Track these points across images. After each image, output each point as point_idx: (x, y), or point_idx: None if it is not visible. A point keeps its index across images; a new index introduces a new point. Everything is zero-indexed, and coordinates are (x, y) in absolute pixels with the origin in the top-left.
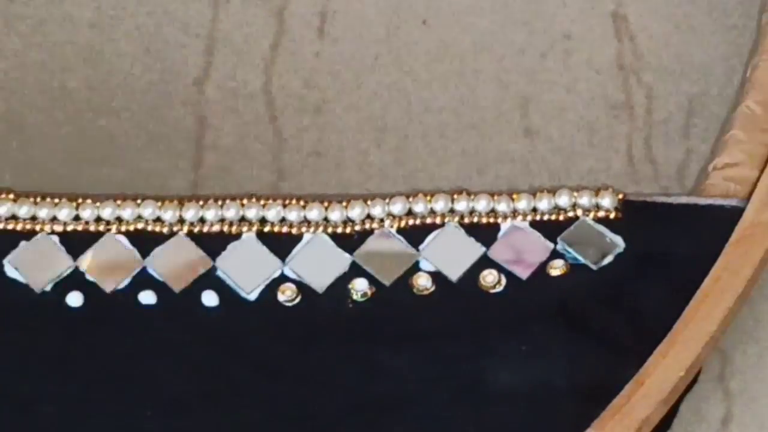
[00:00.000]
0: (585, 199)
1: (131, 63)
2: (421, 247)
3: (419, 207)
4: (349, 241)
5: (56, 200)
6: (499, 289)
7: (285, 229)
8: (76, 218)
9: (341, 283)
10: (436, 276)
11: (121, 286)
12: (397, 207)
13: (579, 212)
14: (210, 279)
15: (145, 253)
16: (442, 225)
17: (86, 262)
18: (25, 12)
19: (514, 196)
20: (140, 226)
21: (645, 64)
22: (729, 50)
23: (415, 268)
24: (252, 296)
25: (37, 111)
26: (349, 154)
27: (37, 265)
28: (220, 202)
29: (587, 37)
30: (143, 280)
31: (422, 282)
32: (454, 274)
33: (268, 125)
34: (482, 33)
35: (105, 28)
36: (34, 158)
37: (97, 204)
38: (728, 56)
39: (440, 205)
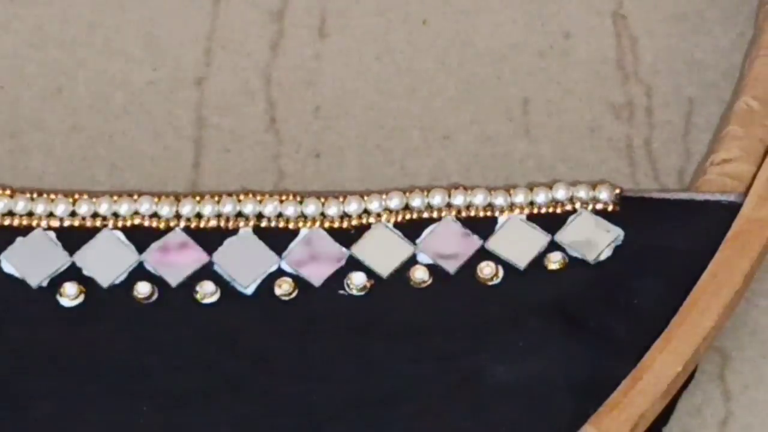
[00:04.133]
0: (582, 193)
1: (131, 63)
2: (418, 240)
3: (416, 202)
4: (346, 235)
5: (53, 196)
6: (496, 281)
7: (282, 224)
8: (73, 214)
9: (338, 277)
10: (434, 269)
11: (118, 281)
12: (394, 202)
13: (577, 205)
14: (207, 274)
15: (141, 248)
16: (439, 219)
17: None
18: (25, 12)
19: (511, 190)
20: (137, 221)
21: (645, 64)
22: (729, 50)
23: (413, 261)
24: (249, 290)
25: (37, 111)
26: (349, 154)
27: (34, 261)
28: (216, 198)
29: (587, 37)
30: (140, 275)
31: (420, 275)
32: (451, 266)
33: (268, 125)
34: (482, 33)
35: (105, 28)
36: (34, 158)
37: (94, 200)
38: (728, 56)
39: (437, 199)
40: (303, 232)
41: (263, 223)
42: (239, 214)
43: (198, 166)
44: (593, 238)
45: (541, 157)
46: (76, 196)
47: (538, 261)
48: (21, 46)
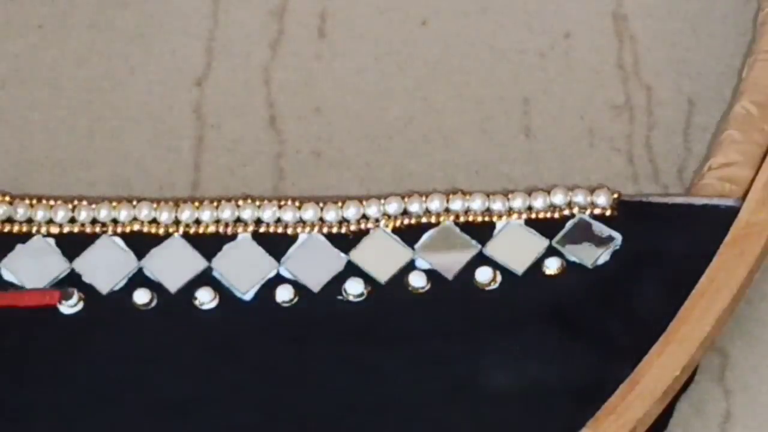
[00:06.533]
0: (580, 198)
1: (131, 63)
2: (416, 245)
3: (414, 207)
4: (344, 240)
5: (52, 203)
6: (494, 286)
7: (280, 230)
8: (72, 220)
9: (337, 282)
10: (431, 274)
11: (117, 287)
12: (393, 207)
13: (575, 210)
14: (206, 279)
15: (141, 254)
16: (438, 224)
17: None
18: (25, 12)
19: (509, 195)
20: (136, 227)
21: (645, 64)
22: (729, 50)
23: (411, 266)
24: (248, 296)
25: (38, 111)
26: (349, 154)
27: (33, 268)
28: (215, 204)
29: (587, 37)
30: (139, 281)
31: (417, 280)
32: (449, 272)
33: (268, 125)
34: (482, 33)
35: (105, 28)
36: (34, 158)
37: (93, 206)
38: (728, 56)
39: (435, 204)
40: (302, 237)
41: (262, 229)
42: (238, 220)
43: (198, 167)
44: (591, 243)
45: (540, 158)
46: (75, 203)
47: (536, 266)
48: (21, 46)
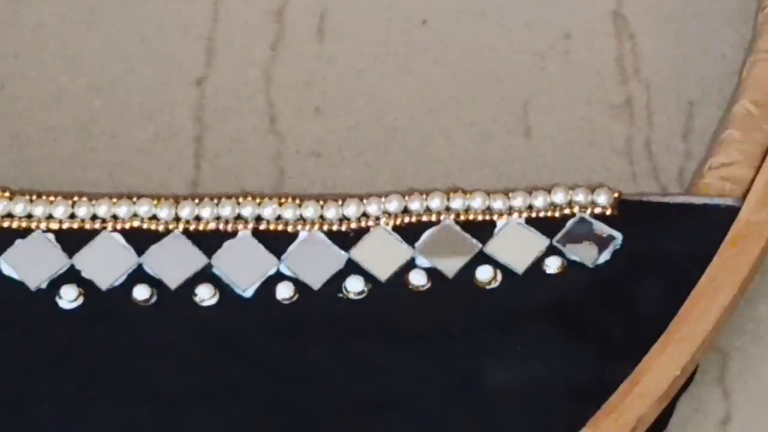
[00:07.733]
0: (581, 197)
1: (131, 63)
2: (416, 244)
3: (415, 205)
4: (344, 238)
5: (52, 198)
6: (494, 285)
7: (281, 227)
8: (72, 216)
9: (337, 280)
10: (432, 272)
11: (117, 283)
12: (393, 205)
13: (575, 209)
14: (206, 276)
15: (140, 251)
16: (438, 223)
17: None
18: (25, 12)
19: (510, 194)
20: (136, 224)
21: (645, 64)
22: (728, 50)
23: (411, 264)
24: (248, 293)
25: (37, 111)
26: (349, 154)
27: (33, 263)
28: (215, 201)
29: (587, 37)
30: (139, 277)
31: (418, 279)
32: (449, 270)
33: (268, 125)
34: (482, 33)
35: (105, 28)
36: (34, 158)
37: (93, 202)
38: (728, 56)
39: (436, 203)
40: (302, 234)
41: (262, 226)
42: (238, 217)
43: (198, 167)
44: (592, 242)
45: (540, 157)
46: (75, 198)
47: (537, 265)
48: (21, 46)
